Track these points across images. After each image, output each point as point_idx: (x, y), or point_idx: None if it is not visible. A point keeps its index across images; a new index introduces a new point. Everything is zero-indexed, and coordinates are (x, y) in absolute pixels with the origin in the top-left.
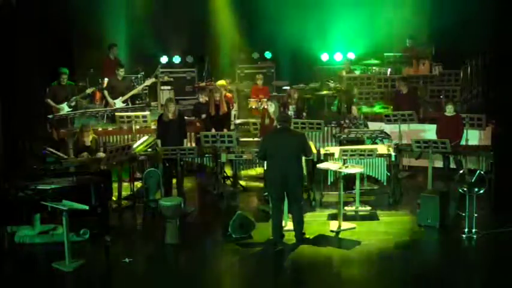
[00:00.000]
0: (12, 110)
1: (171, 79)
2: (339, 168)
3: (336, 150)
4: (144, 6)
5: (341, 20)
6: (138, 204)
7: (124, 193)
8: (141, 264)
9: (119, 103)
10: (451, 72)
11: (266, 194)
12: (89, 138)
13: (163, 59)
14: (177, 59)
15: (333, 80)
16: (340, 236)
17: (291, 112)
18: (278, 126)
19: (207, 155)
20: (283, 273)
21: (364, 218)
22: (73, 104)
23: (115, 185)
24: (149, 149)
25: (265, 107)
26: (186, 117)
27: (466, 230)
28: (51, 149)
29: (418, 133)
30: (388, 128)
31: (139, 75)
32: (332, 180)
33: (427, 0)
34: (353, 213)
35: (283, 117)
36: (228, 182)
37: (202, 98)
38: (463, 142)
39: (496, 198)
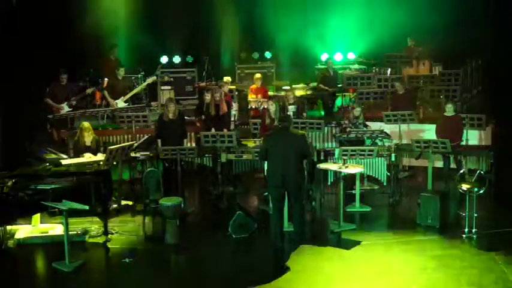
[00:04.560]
0: (12, 109)
1: (171, 79)
2: (339, 168)
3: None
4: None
5: (341, 20)
6: (138, 204)
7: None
8: (141, 264)
9: (120, 103)
10: (451, 72)
11: (266, 194)
12: (89, 139)
13: (163, 59)
14: (177, 59)
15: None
16: (340, 236)
17: (290, 112)
18: (279, 126)
19: (207, 155)
20: (283, 273)
21: (364, 218)
22: (73, 103)
23: (115, 185)
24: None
25: (266, 107)
26: (186, 117)
27: (466, 230)
28: (51, 149)
29: (418, 133)
30: (388, 128)
31: (139, 76)
32: (332, 180)
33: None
34: (353, 213)
35: (284, 117)
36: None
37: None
38: (463, 142)
39: (496, 198)
